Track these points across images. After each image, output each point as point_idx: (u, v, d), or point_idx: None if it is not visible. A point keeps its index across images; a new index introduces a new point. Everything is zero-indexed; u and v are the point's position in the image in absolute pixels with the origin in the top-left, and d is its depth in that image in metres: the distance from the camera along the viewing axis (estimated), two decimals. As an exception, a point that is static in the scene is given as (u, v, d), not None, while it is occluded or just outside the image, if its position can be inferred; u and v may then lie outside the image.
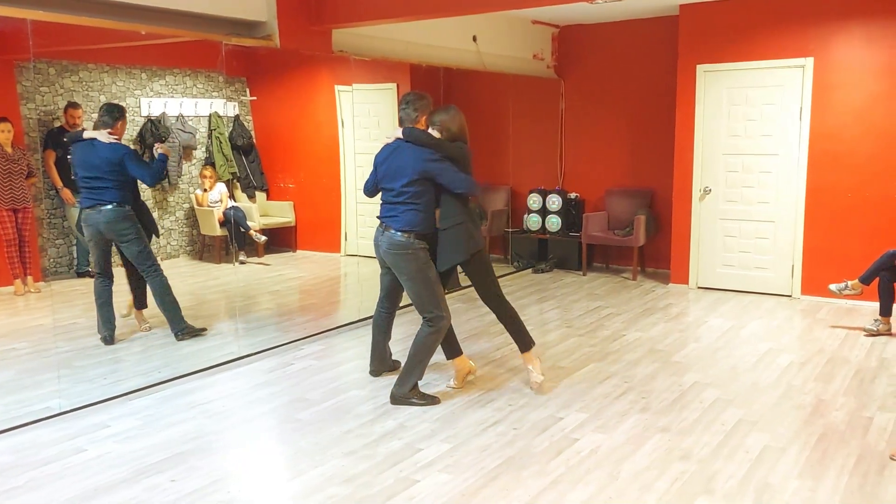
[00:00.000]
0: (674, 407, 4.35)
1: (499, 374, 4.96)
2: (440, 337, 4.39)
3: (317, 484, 3.43)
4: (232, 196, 8.96)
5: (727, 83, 7.16)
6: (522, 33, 8.21)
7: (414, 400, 4.39)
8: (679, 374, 4.92)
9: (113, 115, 5.43)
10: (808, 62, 6.73)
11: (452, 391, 4.62)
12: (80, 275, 7.57)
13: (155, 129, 8.17)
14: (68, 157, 7.22)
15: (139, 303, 5.94)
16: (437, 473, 3.52)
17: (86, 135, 5.40)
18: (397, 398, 4.40)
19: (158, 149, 5.71)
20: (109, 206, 5.36)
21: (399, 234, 4.27)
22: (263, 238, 8.71)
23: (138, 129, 8.14)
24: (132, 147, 6.66)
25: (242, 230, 8.47)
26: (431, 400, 4.42)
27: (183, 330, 5.70)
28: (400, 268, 4.36)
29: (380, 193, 4.49)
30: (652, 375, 4.91)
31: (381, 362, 4.89)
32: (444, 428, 4.06)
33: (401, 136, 4.33)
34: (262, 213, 9.30)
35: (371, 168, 4.51)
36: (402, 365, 4.50)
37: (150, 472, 3.56)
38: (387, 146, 4.41)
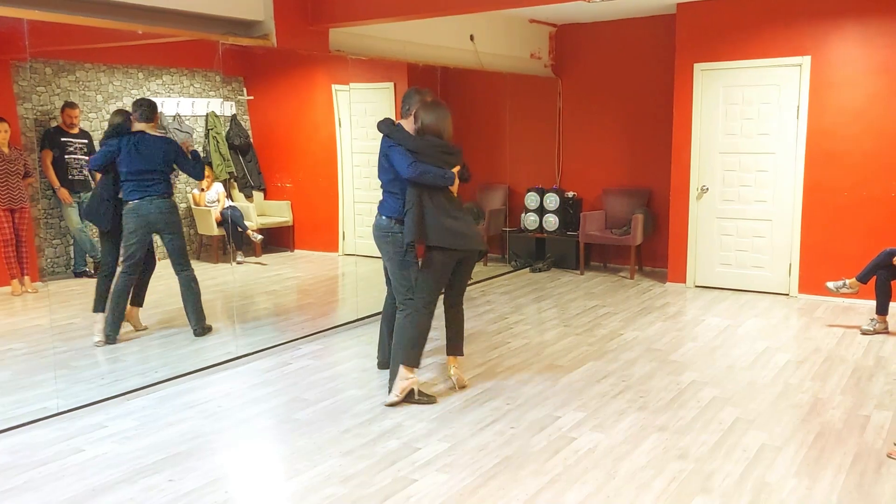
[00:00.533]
0: (671, 406, 4.35)
1: (496, 373, 4.96)
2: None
3: (314, 484, 3.43)
4: (229, 196, 8.95)
5: (724, 82, 7.17)
6: (520, 32, 8.21)
7: (416, 399, 4.41)
8: (676, 373, 4.92)
9: (154, 109, 5.59)
10: (805, 61, 6.74)
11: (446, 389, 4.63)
12: (78, 275, 7.56)
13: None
14: (65, 156, 7.24)
15: (138, 300, 5.91)
16: (435, 473, 3.52)
17: (137, 127, 5.50)
18: (398, 400, 4.40)
19: (191, 147, 5.86)
20: (163, 198, 5.51)
21: (383, 218, 4.52)
22: (260, 237, 8.70)
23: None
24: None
25: (240, 230, 8.46)
26: (428, 399, 4.42)
27: (203, 327, 5.77)
28: (382, 250, 4.57)
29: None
30: (649, 374, 4.91)
31: (387, 354, 4.87)
32: (441, 427, 4.06)
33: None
34: (260, 212, 9.29)
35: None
36: (392, 366, 4.53)
37: (147, 472, 3.56)
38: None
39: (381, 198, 4.61)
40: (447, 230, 4.35)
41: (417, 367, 4.44)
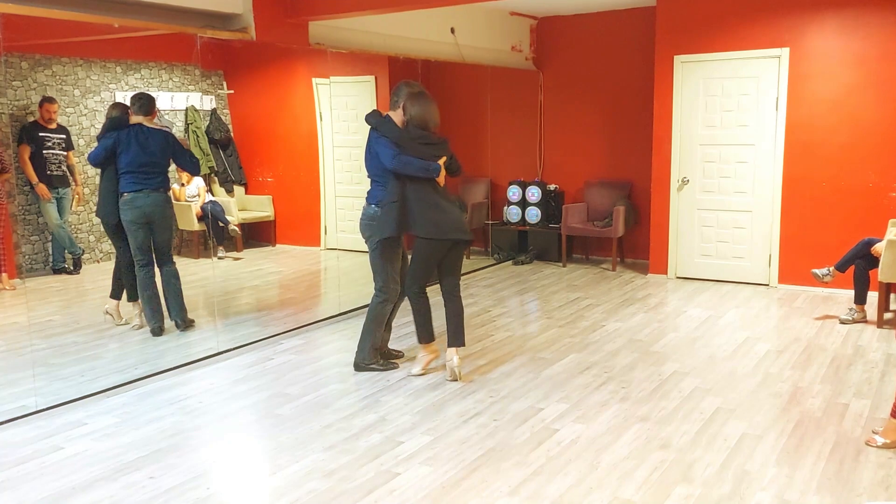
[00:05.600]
0: (653, 396, 4.38)
1: (479, 366, 4.96)
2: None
3: (297, 479, 3.41)
4: (210, 190, 8.89)
5: (704, 74, 7.20)
6: (500, 25, 8.20)
7: (374, 366, 4.82)
8: (658, 364, 4.95)
9: (152, 102, 5.64)
10: (784, 53, 6.78)
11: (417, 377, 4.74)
12: (57, 271, 7.48)
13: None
14: (43, 151, 7.15)
15: (132, 295, 5.88)
16: (418, 466, 3.52)
17: (134, 120, 5.54)
18: (358, 365, 4.83)
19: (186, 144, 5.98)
20: (158, 192, 5.56)
21: (371, 206, 4.65)
22: (237, 232, 8.64)
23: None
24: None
25: (221, 225, 8.41)
26: (390, 365, 4.84)
27: (185, 320, 5.77)
28: (364, 236, 4.72)
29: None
30: (631, 365, 4.93)
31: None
32: (424, 420, 4.06)
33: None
34: (241, 207, 9.23)
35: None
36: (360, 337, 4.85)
37: (128, 469, 3.53)
38: None
39: (368, 188, 4.72)
40: (432, 222, 4.49)
41: (433, 340, 4.77)
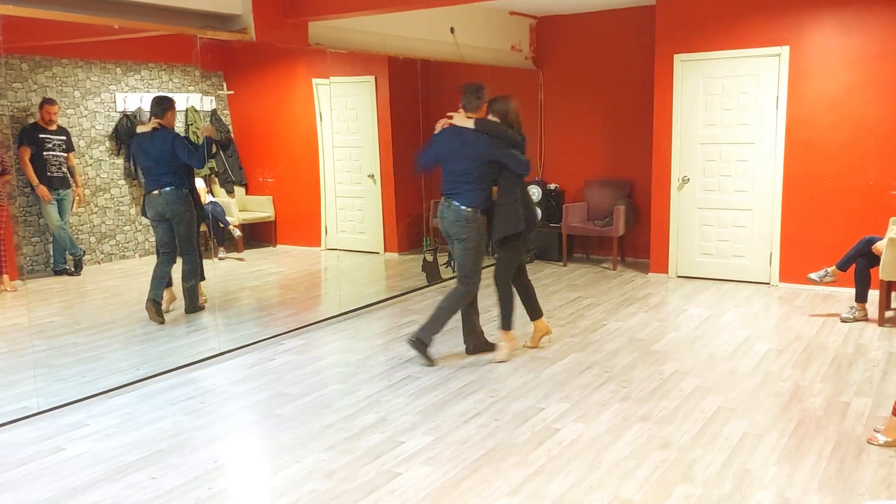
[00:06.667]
0: (654, 396, 4.38)
1: (480, 366, 4.96)
2: (468, 301, 5.00)
3: (298, 479, 3.42)
4: (210, 191, 8.89)
5: (704, 72, 7.19)
6: (500, 24, 8.20)
7: (426, 352, 4.94)
8: (659, 364, 4.95)
9: (162, 106, 5.98)
10: (784, 51, 6.78)
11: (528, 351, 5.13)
12: (58, 273, 7.48)
13: (130, 124, 8.08)
14: (44, 153, 7.16)
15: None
16: (419, 466, 3.52)
17: (139, 129, 6.05)
18: (417, 341, 4.93)
19: (204, 132, 6.22)
20: (170, 188, 5.94)
21: (465, 209, 4.84)
22: (238, 233, 8.65)
23: (114, 124, 8.05)
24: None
25: (222, 225, 8.41)
26: (430, 362, 4.96)
27: (192, 305, 6.21)
28: (461, 237, 4.89)
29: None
30: (632, 365, 4.93)
31: (474, 336, 5.17)
32: (425, 420, 4.06)
33: (458, 122, 4.85)
34: (241, 207, 9.24)
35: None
36: (431, 315, 4.98)
37: (129, 470, 3.54)
38: (448, 130, 4.91)
39: (450, 184, 4.88)
40: (534, 215, 5.04)
41: (512, 328, 5.09)
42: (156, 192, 5.94)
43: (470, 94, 4.87)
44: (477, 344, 5.16)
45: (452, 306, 4.97)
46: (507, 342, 5.07)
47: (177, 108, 6.18)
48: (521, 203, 4.89)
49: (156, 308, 5.92)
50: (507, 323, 5.07)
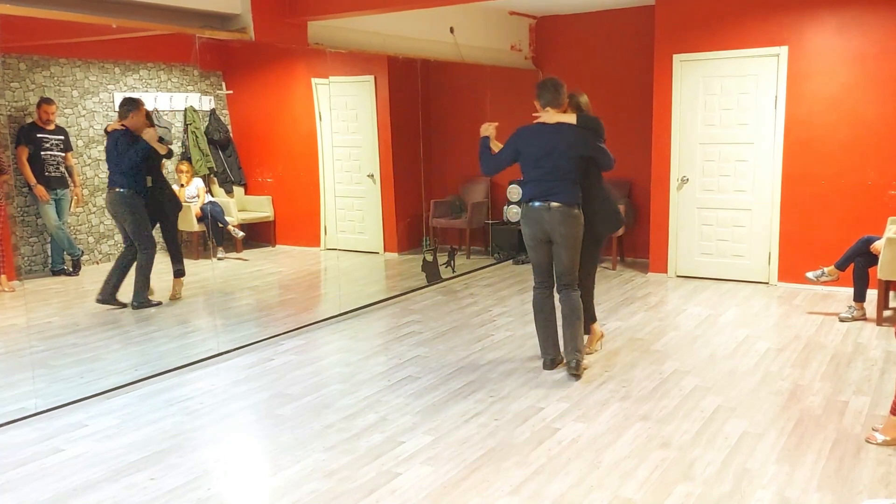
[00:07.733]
0: (653, 395, 4.38)
1: (480, 366, 4.96)
2: (581, 296, 4.89)
3: (298, 479, 3.41)
4: (209, 191, 8.88)
5: (703, 72, 7.19)
6: (500, 24, 8.20)
7: (585, 352, 4.91)
8: (659, 363, 4.95)
9: (124, 107, 6.17)
10: (783, 51, 6.78)
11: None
12: (56, 273, 7.48)
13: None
14: (41, 153, 7.15)
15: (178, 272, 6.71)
16: (419, 466, 3.52)
17: (108, 128, 6.35)
18: (577, 365, 4.66)
19: (144, 135, 6.24)
20: (112, 190, 6.24)
21: (570, 207, 4.63)
22: (241, 234, 8.64)
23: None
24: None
25: (221, 225, 8.40)
26: (579, 375, 4.73)
27: (141, 302, 6.35)
28: (568, 235, 4.65)
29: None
30: (632, 364, 4.93)
31: (556, 348, 4.87)
32: (425, 420, 4.06)
33: (550, 120, 4.64)
34: (241, 207, 9.23)
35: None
36: (571, 335, 4.71)
37: (128, 470, 3.53)
38: (535, 128, 4.70)
39: (545, 185, 4.64)
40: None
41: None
42: (109, 191, 6.30)
43: (552, 90, 4.66)
44: (557, 355, 4.87)
45: (581, 315, 4.77)
46: (599, 333, 5.22)
47: (145, 110, 6.22)
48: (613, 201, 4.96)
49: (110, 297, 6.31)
50: (594, 316, 5.17)
